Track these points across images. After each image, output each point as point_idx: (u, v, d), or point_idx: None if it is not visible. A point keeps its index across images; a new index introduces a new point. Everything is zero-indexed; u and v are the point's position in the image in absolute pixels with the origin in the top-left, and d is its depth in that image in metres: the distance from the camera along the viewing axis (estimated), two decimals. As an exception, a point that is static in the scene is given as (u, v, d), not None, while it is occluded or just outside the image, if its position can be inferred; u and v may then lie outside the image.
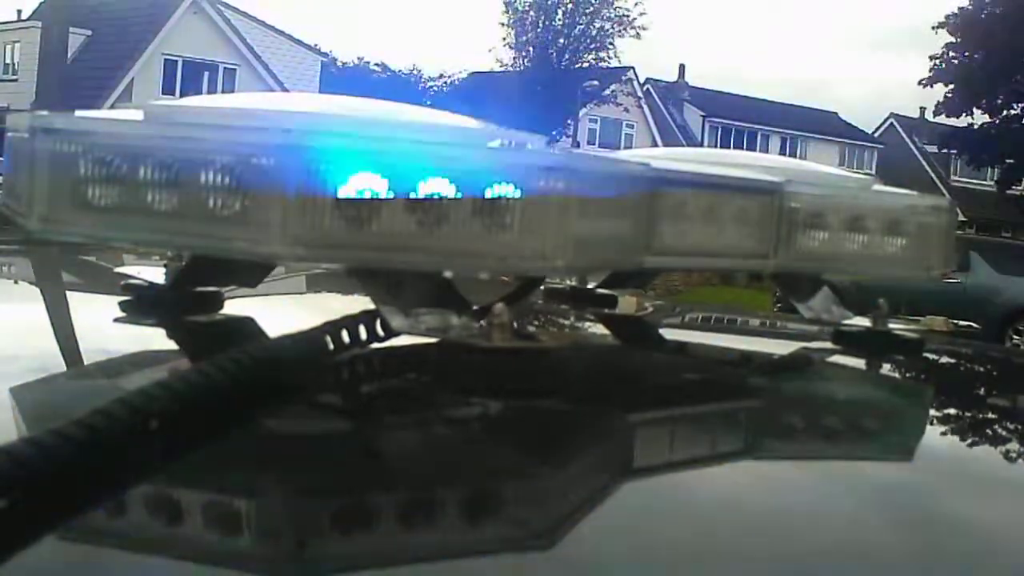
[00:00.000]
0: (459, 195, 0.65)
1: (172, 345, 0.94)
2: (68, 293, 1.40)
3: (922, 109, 41.81)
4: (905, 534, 0.60)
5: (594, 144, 35.48)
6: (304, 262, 0.82)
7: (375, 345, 0.75)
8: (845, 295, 1.03)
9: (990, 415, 1.04)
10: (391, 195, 0.64)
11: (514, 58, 33.16)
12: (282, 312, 1.14)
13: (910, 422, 0.91)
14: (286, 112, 0.73)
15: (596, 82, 33.03)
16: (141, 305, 0.92)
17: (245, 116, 0.71)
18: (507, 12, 32.87)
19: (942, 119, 30.19)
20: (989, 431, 0.95)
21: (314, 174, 0.62)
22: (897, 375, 1.12)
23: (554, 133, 29.42)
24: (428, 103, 36.05)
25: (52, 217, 0.69)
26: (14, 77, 29.91)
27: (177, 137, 0.67)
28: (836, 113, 46.21)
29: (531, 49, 32.62)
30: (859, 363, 1.07)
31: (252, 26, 31.49)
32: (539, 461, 0.65)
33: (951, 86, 28.43)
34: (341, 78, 37.87)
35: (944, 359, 1.25)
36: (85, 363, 0.87)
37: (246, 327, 0.94)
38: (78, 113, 0.74)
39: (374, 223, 0.64)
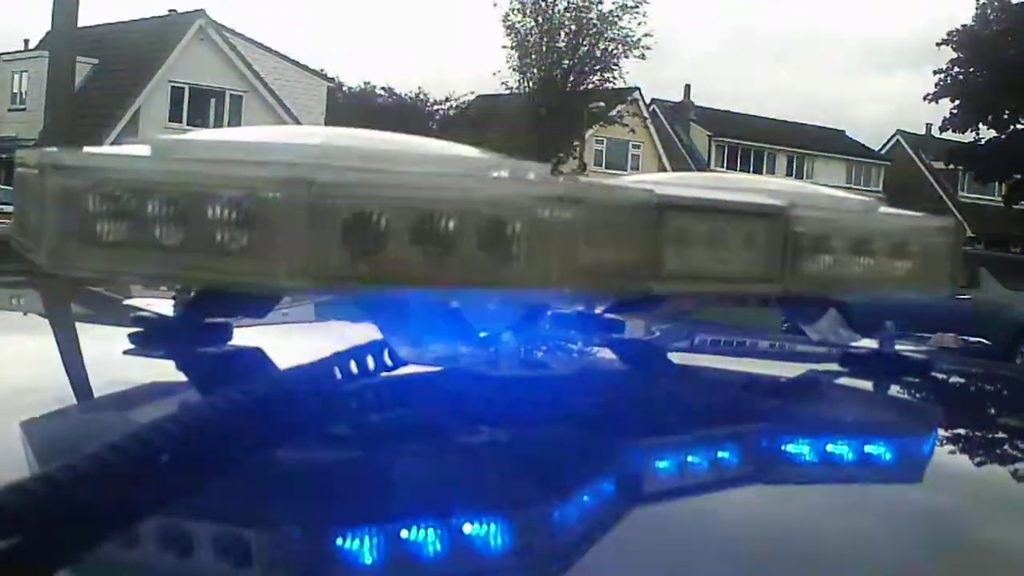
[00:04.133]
0: (464, 226, 0.65)
1: (182, 377, 0.94)
2: (78, 325, 1.40)
3: (928, 125, 41.89)
4: (918, 557, 0.61)
5: (601, 165, 35.60)
6: (311, 294, 0.82)
7: (383, 374, 0.75)
8: (854, 313, 1.03)
9: (1000, 435, 1.04)
10: (397, 226, 0.64)
11: (519, 81, 33.17)
12: (290, 342, 1.14)
13: (920, 445, 0.91)
14: (291, 145, 0.74)
15: (602, 103, 33.09)
16: (151, 337, 0.92)
17: (251, 150, 0.71)
18: (509, 35, 32.90)
19: (948, 135, 30.21)
20: (1000, 452, 0.95)
21: (320, 207, 0.62)
22: (906, 397, 1.12)
23: (561, 155, 29.43)
24: (434, 127, 36.12)
25: (61, 253, 0.70)
26: (22, 107, 30.13)
27: (184, 172, 0.67)
28: (843, 131, 46.34)
29: (535, 71, 32.62)
30: (868, 385, 1.07)
31: (258, 52, 31.67)
32: (548, 489, 0.65)
33: (956, 101, 28.46)
34: (347, 103, 38.07)
35: (952, 379, 1.24)
36: (95, 396, 0.87)
37: (255, 358, 0.95)
38: (86, 149, 0.74)
39: (380, 254, 0.64)
